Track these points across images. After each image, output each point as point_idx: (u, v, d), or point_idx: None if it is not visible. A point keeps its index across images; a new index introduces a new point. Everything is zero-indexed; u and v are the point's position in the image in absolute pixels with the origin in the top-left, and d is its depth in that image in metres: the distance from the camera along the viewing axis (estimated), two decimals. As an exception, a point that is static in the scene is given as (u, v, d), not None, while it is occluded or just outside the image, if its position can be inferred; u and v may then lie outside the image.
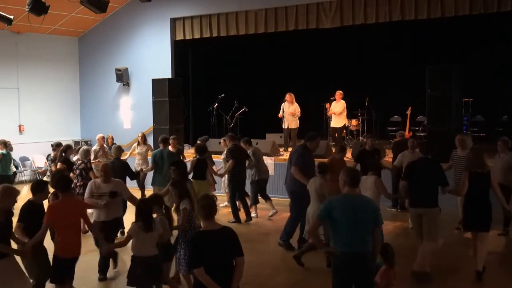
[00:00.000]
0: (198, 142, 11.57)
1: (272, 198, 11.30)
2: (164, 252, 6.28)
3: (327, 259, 7.69)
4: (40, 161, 16.58)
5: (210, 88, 16.37)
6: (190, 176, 9.34)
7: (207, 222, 4.64)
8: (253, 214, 11.03)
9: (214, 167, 11.06)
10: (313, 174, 8.05)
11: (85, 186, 9.77)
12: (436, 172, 7.29)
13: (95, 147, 12.56)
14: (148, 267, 5.82)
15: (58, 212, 5.99)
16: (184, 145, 14.12)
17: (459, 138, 9.50)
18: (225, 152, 11.15)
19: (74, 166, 9.90)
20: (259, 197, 11.16)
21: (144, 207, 6.00)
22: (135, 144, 13.06)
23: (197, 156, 9.84)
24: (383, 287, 5.71)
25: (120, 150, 10.00)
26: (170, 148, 10.91)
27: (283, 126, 14.07)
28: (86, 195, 7.58)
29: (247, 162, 10.83)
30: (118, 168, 9.08)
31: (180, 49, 16.61)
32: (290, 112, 13.77)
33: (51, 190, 6.83)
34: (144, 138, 12.83)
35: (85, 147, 10.75)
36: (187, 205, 6.37)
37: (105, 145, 12.67)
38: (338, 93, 14.22)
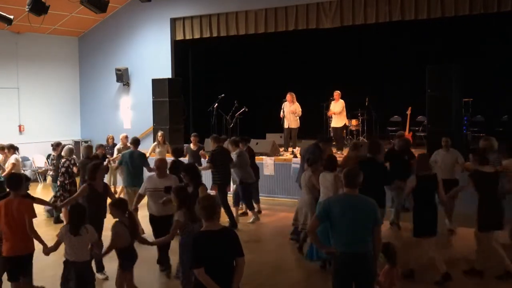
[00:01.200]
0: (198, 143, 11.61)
1: (272, 198, 11.30)
2: (124, 258, 6.11)
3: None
4: (40, 161, 16.57)
5: (210, 88, 16.36)
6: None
7: (208, 223, 4.64)
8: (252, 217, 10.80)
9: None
10: None
11: (74, 183, 10.16)
12: (380, 172, 7.56)
13: (118, 145, 12.80)
14: (79, 272, 5.72)
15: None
16: (185, 145, 14.10)
17: (488, 142, 8.88)
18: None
19: (60, 165, 10.30)
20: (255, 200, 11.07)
21: (76, 210, 5.89)
22: (155, 144, 13.03)
23: (174, 158, 9.64)
24: (386, 287, 5.71)
25: (90, 149, 10.25)
26: (191, 145, 11.51)
27: (283, 126, 14.07)
28: (140, 190, 7.79)
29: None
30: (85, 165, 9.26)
31: (180, 49, 16.60)
32: (291, 110, 13.77)
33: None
34: (164, 138, 12.76)
35: (69, 146, 10.87)
36: (180, 217, 6.01)
37: (128, 144, 12.57)
38: (337, 93, 14.21)
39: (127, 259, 6.14)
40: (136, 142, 10.45)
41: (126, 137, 12.62)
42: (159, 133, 12.93)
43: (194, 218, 5.88)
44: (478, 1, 12.04)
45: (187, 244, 5.63)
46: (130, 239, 6.05)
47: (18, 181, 6.22)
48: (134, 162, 9.96)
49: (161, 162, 7.70)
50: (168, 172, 7.88)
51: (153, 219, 7.61)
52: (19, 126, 16.56)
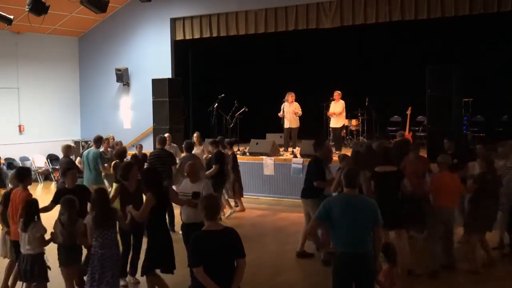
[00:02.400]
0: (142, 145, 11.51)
1: (272, 198, 11.32)
2: (67, 254, 6.20)
3: (323, 261, 7.78)
4: (40, 161, 16.58)
5: (210, 88, 16.35)
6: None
7: (210, 222, 4.64)
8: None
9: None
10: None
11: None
12: (310, 168, 8.24)
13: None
14: (31, 264, 6.16)
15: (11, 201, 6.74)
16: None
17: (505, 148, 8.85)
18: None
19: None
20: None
21: (29, 206, 6.25)
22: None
23: (117, 161, 9.62)
24: (387, 287, 5.72)
25: (69, 149, 10.22)
26: (167, 146, 11.25)
27: (283, 126, 14.06)
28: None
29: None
30: (63, 164, 9.75)
31: (180, 49, 16.60)
32: (291, 111, 13.77)
33: None
34: (199, 138, 12.50)
35: (66, 144, 10.90)
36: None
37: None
38: (337, 93, 14.18)
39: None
40: (96, 140, 10.53)
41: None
42: (195, 134, 12.56)
43: None
44: (478, 1, 12.05)
45: None
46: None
47: (25, 174, 6.92)
48: (89, 160, 10.12)
49: (190, 168, 7.20)
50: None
51: (182, 226, 7.20)
52: (19, 126, 16.56)
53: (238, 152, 12.75)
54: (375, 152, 8.54)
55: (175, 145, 12.76)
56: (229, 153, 11.22)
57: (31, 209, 6.22)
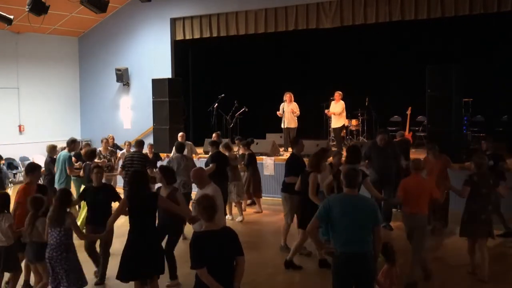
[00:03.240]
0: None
1: (272, 198, 11.29)
2: (38, 250, 6.37)
3: (319, 261, 7.76)
4: (40, 161, 16.53)
5: (210, 88, 16.36)
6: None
7: (208, 223, 4.65)
8: None
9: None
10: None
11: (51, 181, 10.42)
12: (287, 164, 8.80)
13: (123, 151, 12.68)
14: (4, 256, 6.49)
15: None
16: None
17: None
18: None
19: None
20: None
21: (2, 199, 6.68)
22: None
23: (87, 162, 9.73)
24: (387, 287, 5.72)
25: (54, 149, 10.53)
26: (148, 151, 11.42)
27: (282, 126, 14.06)
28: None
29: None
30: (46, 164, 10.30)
31: (180, 49, 16.60)
32: (290, 110, 13.76)
33: None
34: (219, 137, 12.54)
35: (52, 144, 11.06)
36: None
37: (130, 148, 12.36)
38: (337, 94, 14.17)
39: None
40: (69, 143, 10.68)
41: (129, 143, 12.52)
42: (214, 134, 12.58)
43: None
44: (478, 1, 12.03)
45: None
46: None
47: (31, 167, 7.37)
48: (60, 162, 10.31)
49: (193, 174, 6.77)
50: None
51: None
52: (19, 126, 16.57)
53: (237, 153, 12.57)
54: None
55: (190, 142, 12.72)
56: (246, 153, 11.26)
57: (4, 202, 6.63)
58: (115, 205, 7.15)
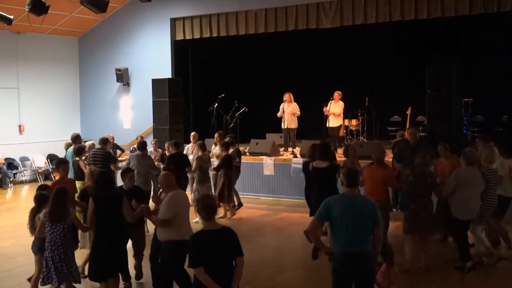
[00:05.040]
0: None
1: (272, 198, 11.29)
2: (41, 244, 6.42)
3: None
4: (40, 161, 16.58)
5: (210, 88, 16.36)
6: None
7: (208, 222, 4.65)
8: None
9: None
10: None
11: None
12: None
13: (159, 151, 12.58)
14: None
15: None
16: (184, 145, 14.10)
17: None
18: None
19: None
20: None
21: None
22: (212, 146, 12.59)
23: (76, 158, 9.89)
24: (385, 286, 5.72)
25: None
26: (152, 149, 11.69)
27: (282, 126, 14.06)
28: None
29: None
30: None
31: (180, 49, 16.60)
32: (290, 111, 13.76)
33: None
34: (221, 136, 12.40)
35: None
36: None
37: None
38: (337, 94, 14.16)
39: None
40: (72, 139, 10.76)
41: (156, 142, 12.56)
42: (217, 134, 12.46)
43: None
44: (478, 1, 12.03)
45: None
46: None
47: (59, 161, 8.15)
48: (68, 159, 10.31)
49: (161, 179, 6.31)
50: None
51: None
52: (19, 126, 16.57)
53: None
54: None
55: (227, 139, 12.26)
56: (223, 154, 11.02)
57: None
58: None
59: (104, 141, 10.48)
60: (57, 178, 8.09)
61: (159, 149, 12.37)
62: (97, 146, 10.57)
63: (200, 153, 10.63)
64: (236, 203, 11.59)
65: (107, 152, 10.38)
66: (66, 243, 6.15)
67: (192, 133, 12.83)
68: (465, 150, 7.77)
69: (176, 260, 5.97)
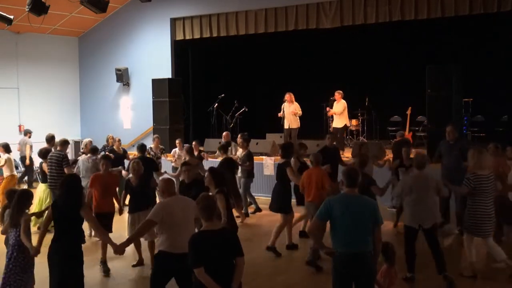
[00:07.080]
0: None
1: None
2: None
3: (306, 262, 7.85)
4: (40, 161, 16.53)
5: (210, 88, 16.37)
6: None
7: (208, 223, 4.65)
8: None
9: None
10: None
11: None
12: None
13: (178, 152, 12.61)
14: None
15: None
16: (184, 145, 14.13)
17: None
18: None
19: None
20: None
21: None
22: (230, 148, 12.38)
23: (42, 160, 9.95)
24: (386, 286, 5.72)
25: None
26: (153, 146, 11.86)
27: (284, 126, 14.04)
28: None
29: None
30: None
31: (180, 49, 16.61)
32: (291, 111, 13.74)
33: None
34: (228, 136, 12.49)
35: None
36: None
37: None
38: (338, 93, 14.13)
39: None
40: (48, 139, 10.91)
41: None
42: (224, 133, 12.45)
43: None
44: (478, 1, 12.04)
45: None
46: None
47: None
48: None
49: (161, 186, 6.04)
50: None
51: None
52: (19, 126, 16.57)
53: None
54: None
55: (234, 142, 12.40)
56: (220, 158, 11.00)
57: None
58: None
59: (63, 143, 10.08)
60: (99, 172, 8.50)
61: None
62: (58, 148, 10.19)
63: (187, 158, 10.44)
64: (253, 208, 11.71)
65: (63, 154, 9.95)
66: (18, 249, 5.98)
67: (224, 133, 12.76)
68: (416, 154, 8.01)
69: (155, 273, 5.62)
